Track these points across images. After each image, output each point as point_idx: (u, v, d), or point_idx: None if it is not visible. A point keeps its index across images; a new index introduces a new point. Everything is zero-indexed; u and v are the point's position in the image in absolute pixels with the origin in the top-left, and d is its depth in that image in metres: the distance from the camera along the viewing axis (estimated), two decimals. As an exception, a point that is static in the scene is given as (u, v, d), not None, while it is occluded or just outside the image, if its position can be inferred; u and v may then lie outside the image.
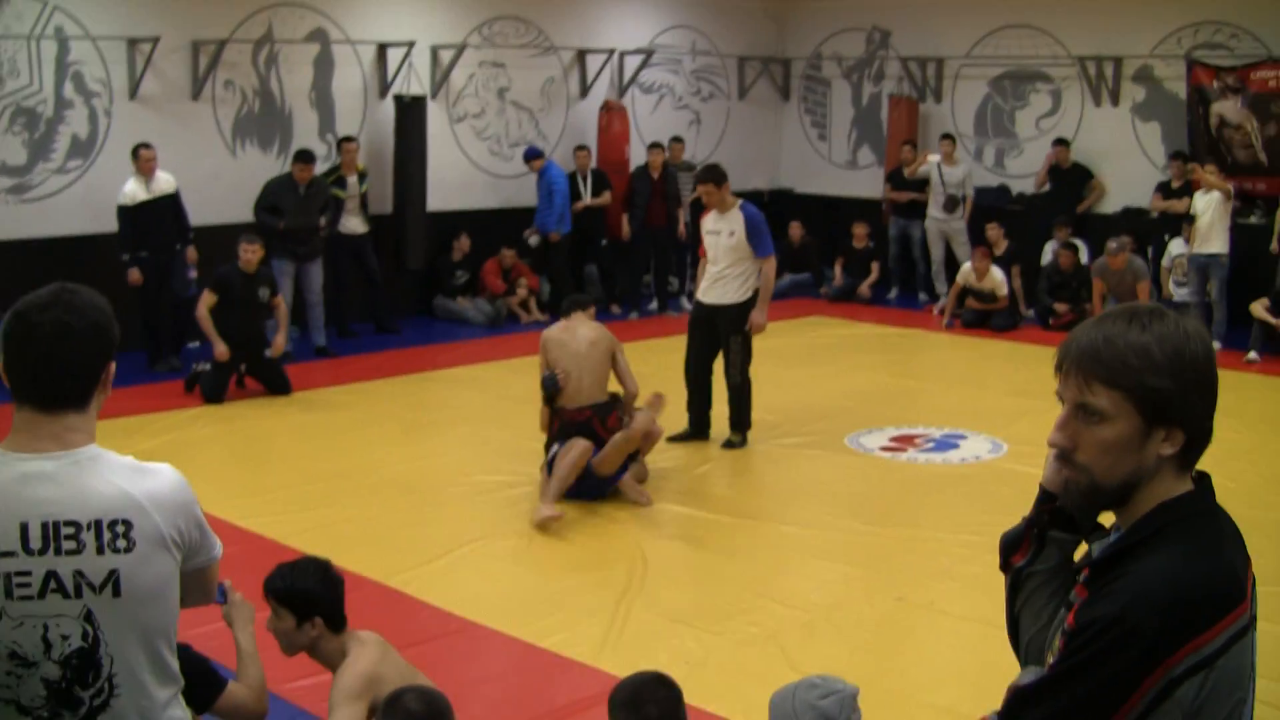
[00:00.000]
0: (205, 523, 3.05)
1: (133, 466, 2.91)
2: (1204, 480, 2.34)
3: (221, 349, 11.48)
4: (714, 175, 10.03)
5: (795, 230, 18.15)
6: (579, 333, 9.05)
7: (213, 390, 11.52)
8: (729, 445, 10.17)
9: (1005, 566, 2.60)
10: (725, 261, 10.00)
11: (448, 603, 7.12)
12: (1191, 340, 2.25)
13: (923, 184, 16.98)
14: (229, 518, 8.25)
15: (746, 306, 10.03)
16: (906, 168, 17.05)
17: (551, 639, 6.66)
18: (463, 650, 6.55)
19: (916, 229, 17.22)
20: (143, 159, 12.37)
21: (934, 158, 16.80)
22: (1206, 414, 2.27)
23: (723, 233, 9.99)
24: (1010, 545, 2.59)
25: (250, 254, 11.70)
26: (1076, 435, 2.29)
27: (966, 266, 15.71)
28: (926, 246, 17.14)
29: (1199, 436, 2.28)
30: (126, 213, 12.31)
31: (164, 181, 12.50)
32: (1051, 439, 2.34)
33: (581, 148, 16.43)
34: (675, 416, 10.16)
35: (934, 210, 16.82)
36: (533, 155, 15.77)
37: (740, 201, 10.12)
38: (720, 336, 10.12)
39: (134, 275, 12.27)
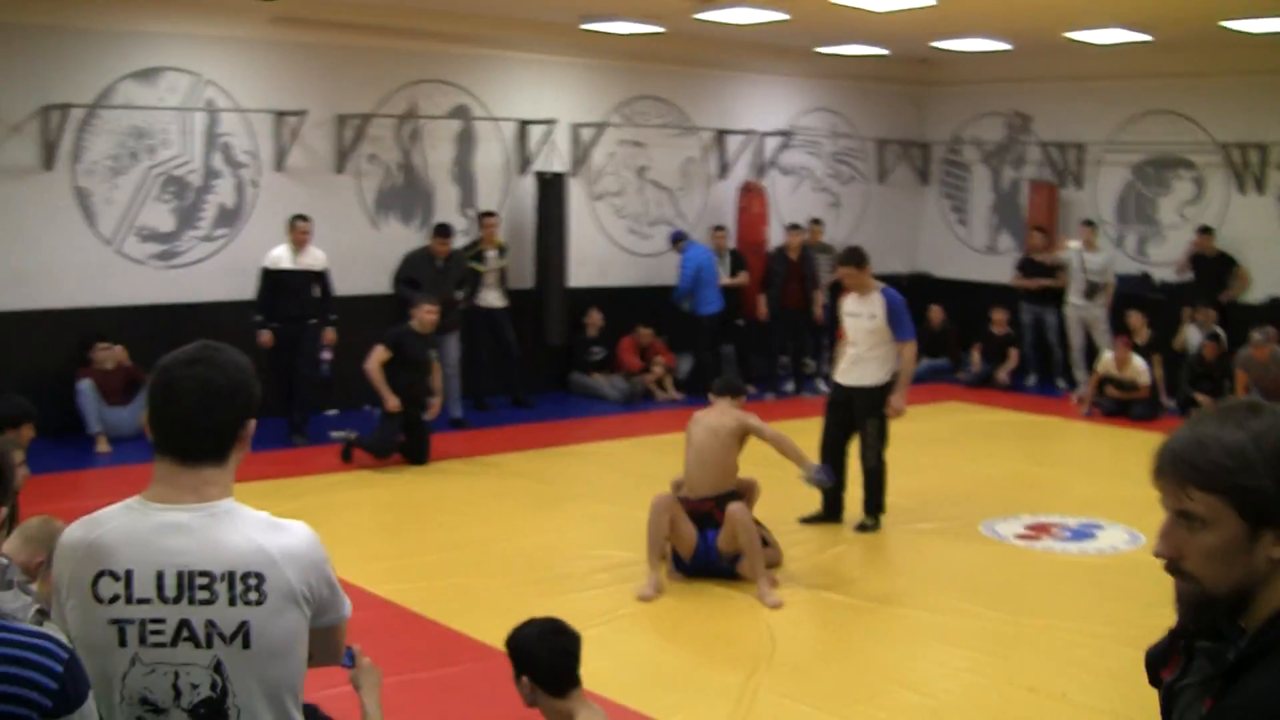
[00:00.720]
0: (336, 581, 3.07)
1: (267, 522, 2.95)
2: None
3: (393, 401, 11.67)
4: (856, 258, 10.04)
5: (935, 314, 18.05)
6: (703, 421, 8.94)
7: (381, 446, 11.74)
8: (862, 528, 10.07)
9: (1155, 681, 2.41)
10: (865, 344, 9.96)
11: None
12: None
13: (1054, 270, 16.82)
14: (362, 583, 8.32)
15: (885, 389, 9.97)
16: (1037, 254, 16.88)
17: (677, 717, 6.60)
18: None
19: (1051, 315, 17.01)
20: (298, 230, 12.65)
21: (1074, 244, 16.61)
22: None
23: (863, 315, 9.96)
24: (1157, 659, 2.41)
25: (429, 314, 11.94)
26: (1181, 544, 2.17)
27: (1107, 355, 15.47)
28: (1064, 333, 16.92)
29: None
30: (268, 276, 12.57)
31: (314, 256, 12.74)
32: (1156, 549, 2.22)
33: (719, 228, 16.48)
34: (809, 498, 10.09)
35: (1074, 297, 16.60)
36: (678, 238, 15.96)
37: (882, 285, 10.09)
38: (857, 419, 10.06)
39: (264, 338, 12.46)
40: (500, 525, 10.09)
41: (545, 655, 4.66)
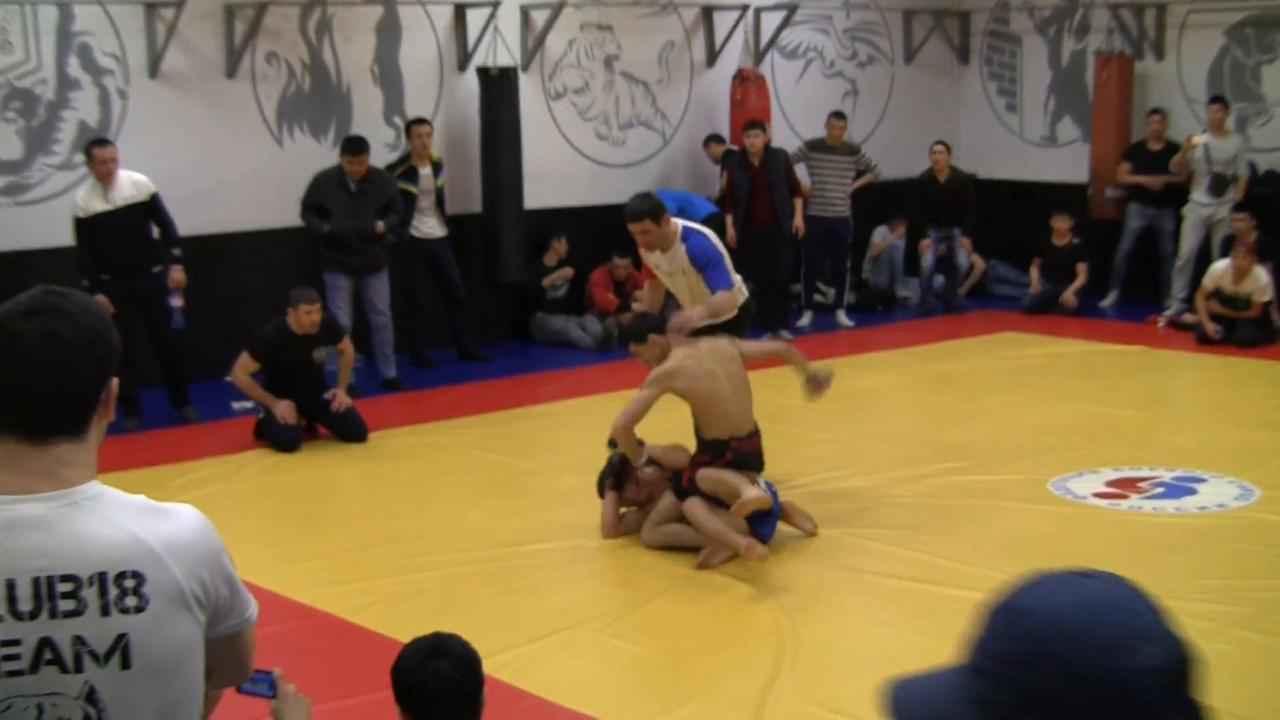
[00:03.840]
0: (236, 576, 3.03)
1: (144, 507, 2.89)
2: None
3: (283, 408, 11.60)
4: (651, 210, 9.71)
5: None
6: (714, 352, 9.21)
7: (284, 439, 11.65)
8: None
9: None
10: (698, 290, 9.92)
11: (554, 692, 7.07)
12: None
13: (1161, 159, 16.91)
14: (281, 588, 8.29)
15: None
16: (1151, 143, 16.86)
17: (681, 736, 6.60)
18: (570, 751, 6.50)
19: (1169, 220, 17.04)
20: (96, 160, 12.11)
21: (1200, 137, 16.55)
22: None
23: (676, 274, 9.90)
24: None
25: (308, 315, 11.58)
26: None
27: (1220, 265, 15.44)
28: (1177, 241, 16.91)
29: None
30: (82, 227, 12.12)
31: (131, 187, 12.25)
32: None
33: (715, 139, 16.35)
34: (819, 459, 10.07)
35: (1198, 194, 16.59)
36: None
37: (681, 230, 9.93)
38: None
39: (101, 302, 12.13)
40: (451, 509, 10.06)
41: (418, 683, 4.60)
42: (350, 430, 11.90)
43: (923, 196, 17.57)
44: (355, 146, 13.61)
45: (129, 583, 2.80)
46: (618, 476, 9.34)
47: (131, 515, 2.85)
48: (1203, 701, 2.01)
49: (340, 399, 11.94)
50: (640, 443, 9.10)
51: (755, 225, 15.75)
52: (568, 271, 16.11)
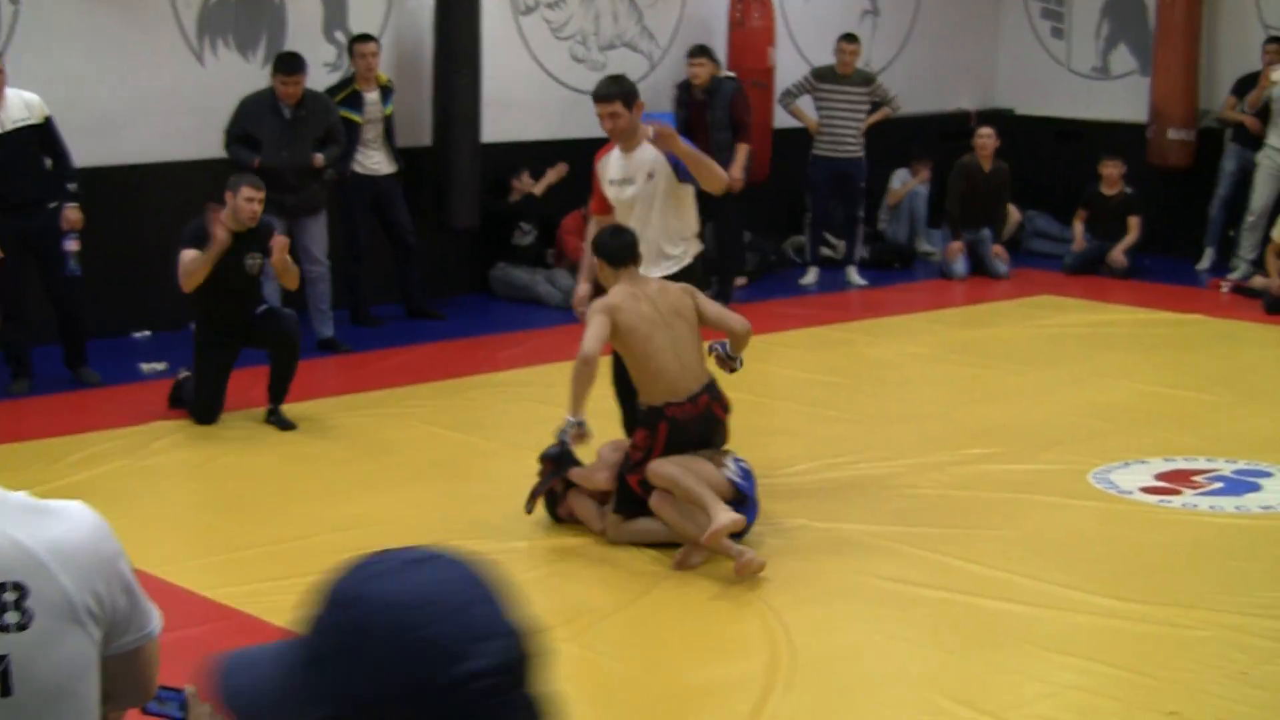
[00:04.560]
0: (135, 584, 3.03)
1: (27, 507, 2.89)
2: None
3: (220, 234, 11.08)
4: (624, 90, 9.90)
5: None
6: (653, 300, 9.24)
7: (203, 407, 11.47)
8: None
9: None
10: (657, 223, 9.93)
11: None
12: None
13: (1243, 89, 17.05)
14: (195, 585, 8.29)
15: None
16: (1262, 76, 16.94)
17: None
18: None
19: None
20: None
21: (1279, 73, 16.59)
22: None
23: (636, 180, 9.88)
24: None
25: (248, 203, 11.24)
26: None
27: None
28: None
29: None
30: None
31: (21, 108, 12.12)
32: None
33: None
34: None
35: (1274, 138, 16.64)
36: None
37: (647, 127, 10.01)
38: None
39: None
40: (397, 495, 10.06)
41: None
42: (281, 331, 11.48)
43: (965, 190, 17.45)
44: (290, 65, 13.56)
45: (9, 596, 2.79)
46: (558, 466, 9.24)
47: (11, 516, 2.85)
48: (542, 694, 2.09)
49: (287, 275, 11.64)
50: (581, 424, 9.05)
51: None
52: (562, 168, 16.03)
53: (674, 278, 9.70)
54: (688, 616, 8.23)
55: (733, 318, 9.43)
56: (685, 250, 9.99)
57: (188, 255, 11.16)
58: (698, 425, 9.01)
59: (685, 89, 15.90)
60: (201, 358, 11.49)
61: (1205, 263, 17.62)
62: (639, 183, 9.89)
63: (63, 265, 12.27)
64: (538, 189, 15.92)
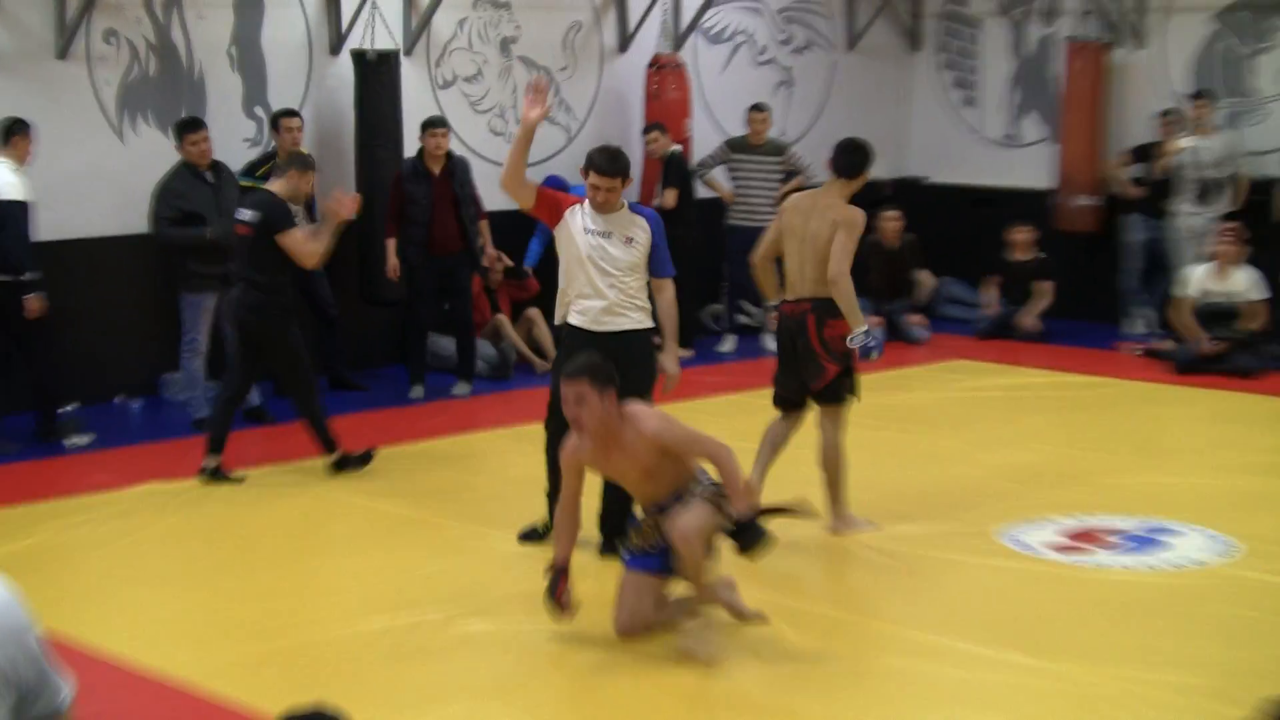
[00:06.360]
0: (44, 657, 3.04)
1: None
2: None
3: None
4: (627, 168, 10.04)
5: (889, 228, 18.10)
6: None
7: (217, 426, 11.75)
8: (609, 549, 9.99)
9: None
10: (625, 286, 10.03)
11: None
12: None
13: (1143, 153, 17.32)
14: (133, 652, 8.18)
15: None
16: (1160, 147, 17.16)
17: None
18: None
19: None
20: None
21: (1187, 141, 16.78)
22: None
23: (604, 235, 9.97)
24: None
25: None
26: None
27: (1198, 271, 15.67)
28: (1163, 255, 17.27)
29: None
30: None
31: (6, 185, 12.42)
32: None
33: (654, 131, 16.41)
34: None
35: (1184, 204, 16.85)
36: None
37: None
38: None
39: None
40: (321, 563, 10.08)
41: None
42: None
43: (872, 269, 17.23)
44: (193, 123, 13.67)
45: (-88, 669, 2.80)
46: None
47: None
48: None
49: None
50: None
51: (436, 250, 15.02)
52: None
53: (634, 336, 9.87)
54: (602, 679, 8.19)
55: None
56: (643, 316, 10.03)
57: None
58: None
59: (417, 162, 15.03)
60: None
61: (1138, 327, 17.73)
62: (618, 243, 9.93)
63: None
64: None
